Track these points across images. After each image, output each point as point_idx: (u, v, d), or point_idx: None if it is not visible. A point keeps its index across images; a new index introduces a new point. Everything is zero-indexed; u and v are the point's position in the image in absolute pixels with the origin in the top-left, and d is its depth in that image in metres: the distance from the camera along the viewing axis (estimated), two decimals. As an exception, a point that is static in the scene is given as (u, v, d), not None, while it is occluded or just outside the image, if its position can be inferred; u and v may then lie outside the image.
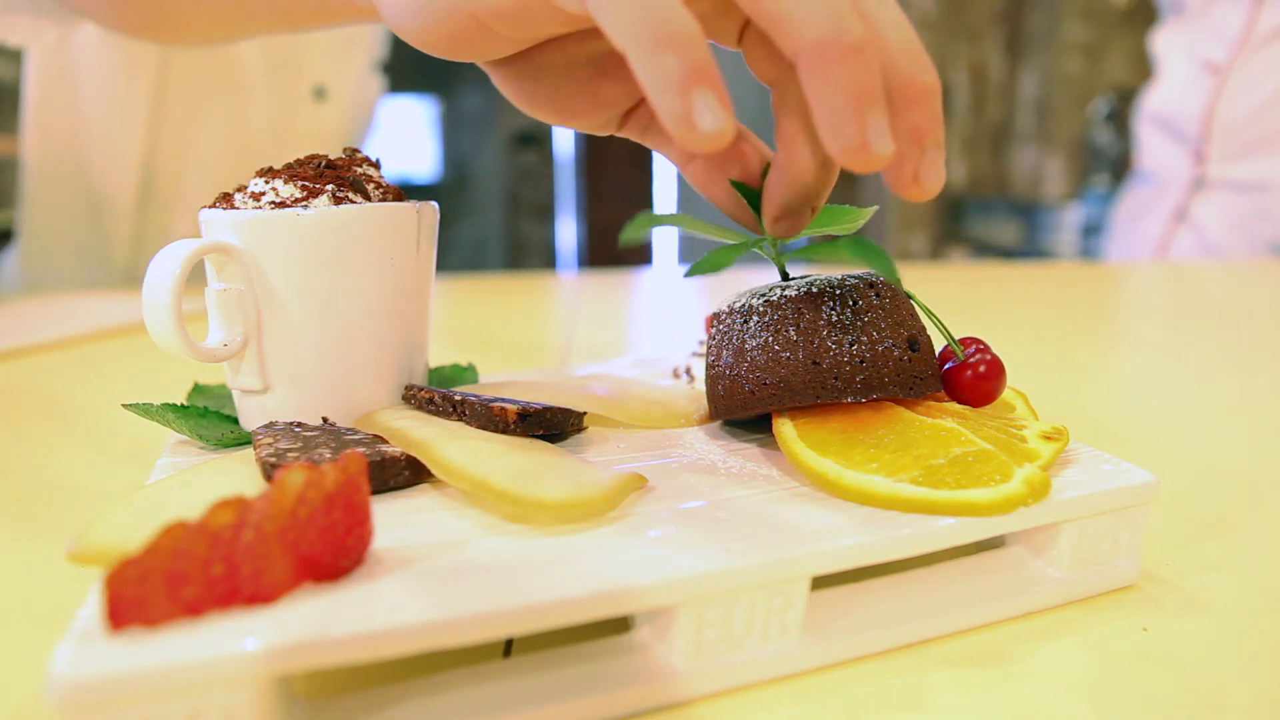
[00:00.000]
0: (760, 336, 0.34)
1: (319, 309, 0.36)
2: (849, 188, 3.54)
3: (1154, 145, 1.48)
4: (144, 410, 0.36)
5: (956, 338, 0.36)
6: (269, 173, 0.37)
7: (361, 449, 0.31)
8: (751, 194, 0.36)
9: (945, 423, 0.31)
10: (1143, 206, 1.50)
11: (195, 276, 0.36)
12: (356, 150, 0.40)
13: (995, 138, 3.32)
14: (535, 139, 3.54)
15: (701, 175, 0.37)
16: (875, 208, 0.35)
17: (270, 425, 0.35)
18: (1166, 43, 1.46)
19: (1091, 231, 2.67)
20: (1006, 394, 0.38)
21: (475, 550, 0.26)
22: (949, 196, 3.34)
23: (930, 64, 0.28)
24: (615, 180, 3.85)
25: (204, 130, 1.03)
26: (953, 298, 0.98)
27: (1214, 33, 1.38)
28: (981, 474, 0.29)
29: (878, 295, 0.34)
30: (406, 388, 0.38)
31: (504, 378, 0.46)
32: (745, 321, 0.35)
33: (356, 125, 1.17)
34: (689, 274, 0.34)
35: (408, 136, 3.57)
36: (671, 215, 0.35)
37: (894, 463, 0.30)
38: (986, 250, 3.13)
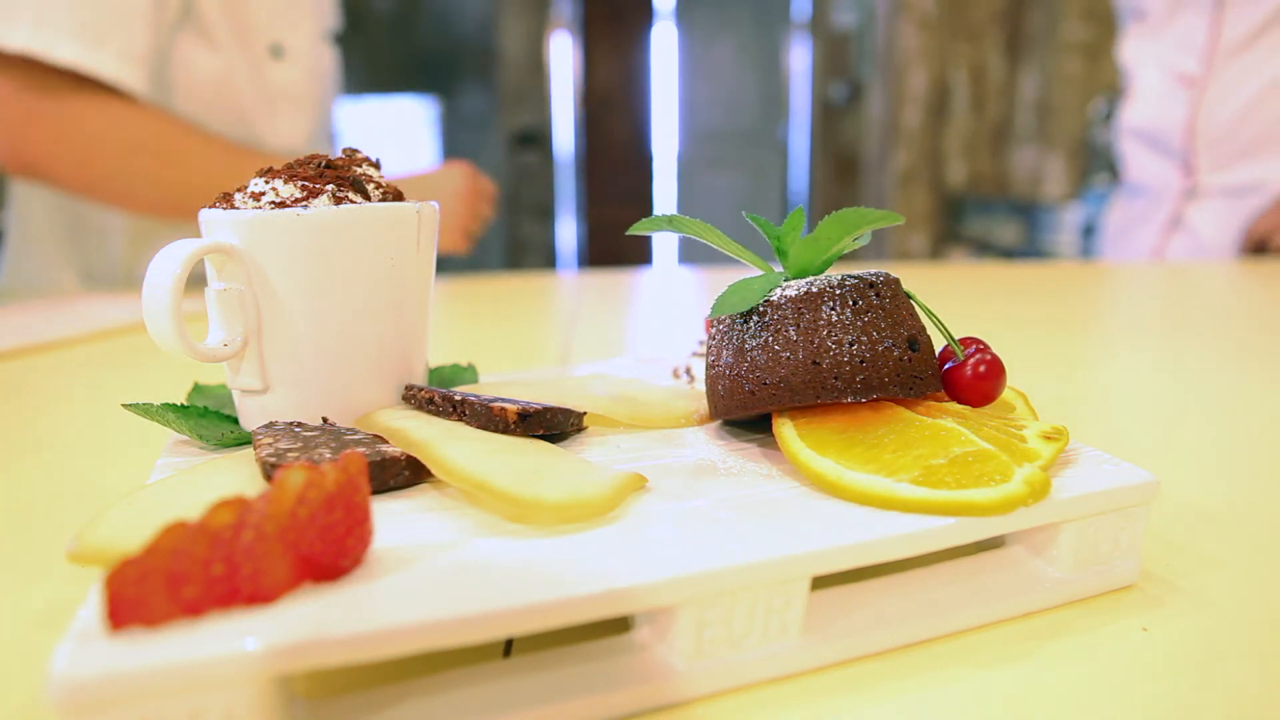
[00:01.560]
0: (760, 336, 0.34)
1: (319, 309, 0.36)
2: (849, 189, 3.54)
3: (1139, 159, 1.47)
4: (144, 410, 0.36)
5: (956, 338, 0.36)
6: (269, 173, 0.37)
7: (361, 449, 0.31)
8: (771, 230, 0.36)
9: (945, 423, 0.31)
10: (1135, 218, 1.50)
11: (195, 276, 0.36)
12: (356, 150, 0.40)
13: (995, 138, 3.32)
14: (535, 139, 3.54)
15: None
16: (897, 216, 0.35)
17: (270, 425, 0.35)
18: (1135, 54, 1.45)
19: (1091, 231, 2.67)
20: (1006, 394, 0.38)
21: (475, 550, 0.26)
22: (949, 196, 3.34)
23: None
24: (615, 180, 3.85)
25: (181, 94, 1.02)
26: (953, 298, 0.98)
27: (1182, 43, 1.37)
28: (981, 474, 0.29)
29: (878, 295, 0.34)
30: (406, 388, 0.38)
31: (504, 378, 0.46)
32: (745, 321, 0.35)
33: (323, 90, 1.20)
34: (713, 314, 0.34)
35: (408, 136, 3.57)
36: (682, 220, 0.35)
37: (894, 463, 0.30)
38: (986, 250, 3.13)
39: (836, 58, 3.54)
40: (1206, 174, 1.36)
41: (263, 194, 0.36)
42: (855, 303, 0.33)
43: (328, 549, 0.23)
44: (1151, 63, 1.41)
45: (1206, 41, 1.33)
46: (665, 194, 3.94)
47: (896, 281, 0.35)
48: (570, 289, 1.22)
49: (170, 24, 0.97)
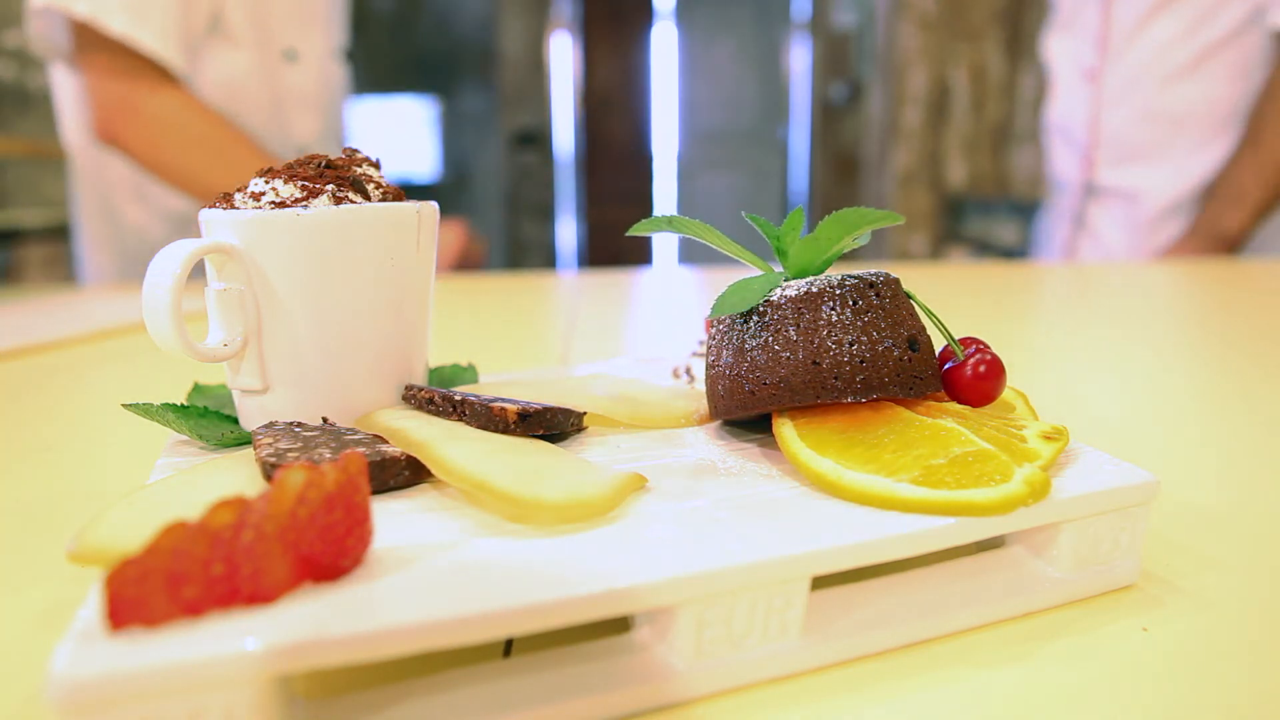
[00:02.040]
0: (760, 336, 0.34)
1: (319, 309, 0.36)
2: (849, 189, 3.54)
3: (1056, 153, 1.51)
4: (144, 410, 0.36)
5: (956, 338, 0.36)
6: (269, 173, 0.37)
7: (361, 449, 0.31)
8: (771, 230, 0.36)
9: (945, 423, 0.31)
10: (1053, 214, 1.54)
11: (195, 276, 0.36)
12: (356, 150, 0.40)
13: (995, 138, 3.32)
14: (535, 139, 3.54)
15: None
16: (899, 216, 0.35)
17: (270, 425, 0.35)
18: (1052, 51, 1.48)
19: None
20: (1006, 394, 0.38)
21: (475, 550, 0.26)
22: (949, 196, 3.34)
23: None
24: (615, 180, 3.85)
25: (206, 92, 1.16)
26: (953, 298, 0.98)
27: (1085, 36, 1.39)
28: (981, 474, 0.29)
29: (878, 295, 0.34)
30: (406, 388, 0.38)
31: (504, 378, 0.46)
32: (745, 321, 0.35)
33: (331, 98, 1.33)
34: (713, 314, 0.34)
35: (408, 136, 3.57)
36: (682, 220, 0.35)
37: (894, 463, 0.30)
38: (986, 250, 3.13)
39: (836, 58, 3.54)
40: (1103, 169, 1.39)
41: (263, 194, 0.36)
42: (855, 303, 0.33)
43: (328, 549, 0.23)
44: (1064, 58, 1.45)
45: (1098, 32, 1.35)
46: (665, 194, 3.94)
47: (896, 281, 0.35)
48: (570, 289, 1.22)
49: (201, 26, 1.11)
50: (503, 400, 0.35)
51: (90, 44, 1.04)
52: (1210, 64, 1.25)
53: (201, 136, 1.07)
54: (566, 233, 3.76)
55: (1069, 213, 1.47)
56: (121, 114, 1.05)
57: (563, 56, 3.59)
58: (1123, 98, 1.34)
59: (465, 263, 1.30)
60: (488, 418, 0.34)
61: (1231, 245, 1.23)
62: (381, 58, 3.49)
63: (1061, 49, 1.45)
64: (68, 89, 1.21)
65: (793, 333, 0.33)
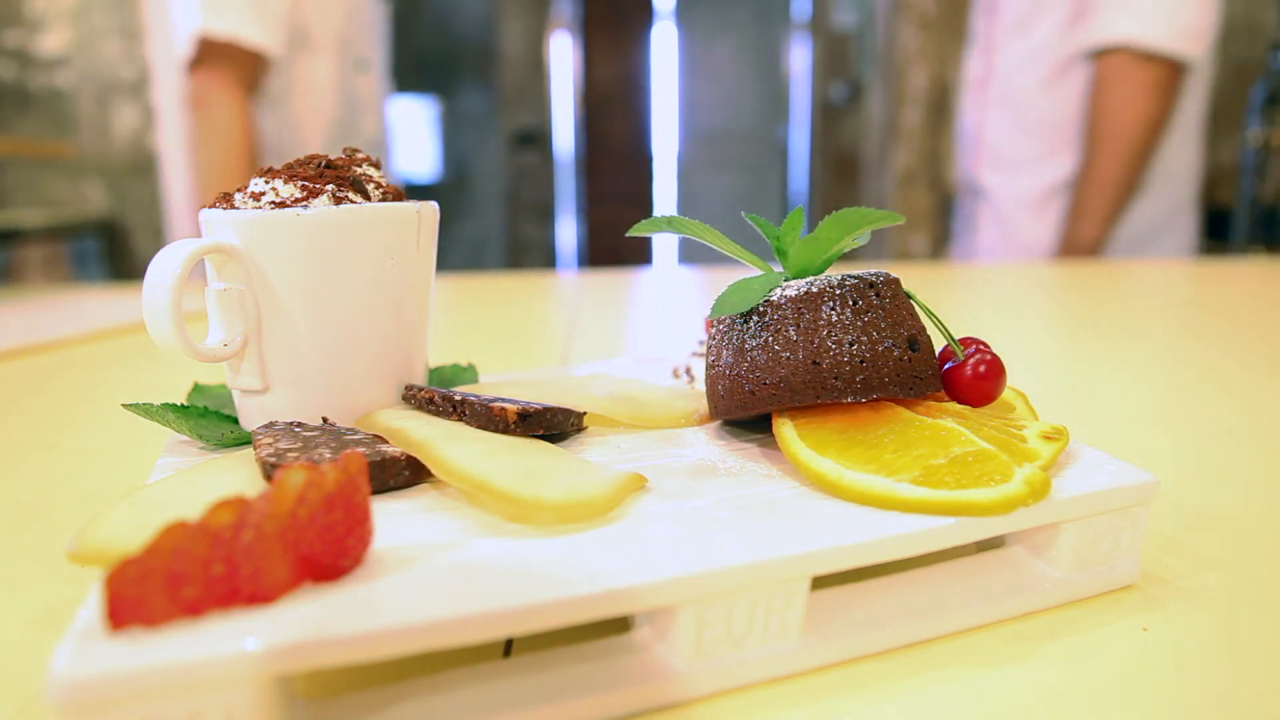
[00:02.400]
0: (760, 336, 0.34)
1: (319, 309, 0.36)
2: (849, 189, 3.54)
3: (961, 158, 1.60)
4: (144, 410, 0.36)
5: (956, 338, 0.36)
6: (269, 173, 0.37)
7: (361, 449, 0.31)
8: (771, 230, 0.36)
9: (945, 423, 0.31)
10: (958, 217, 1.63)
11: (196, 276, 0.36)
12: (356, 150, 0.40)
13: (995, 138, 3.32)
14: (535, 139, 3.54)
15: None
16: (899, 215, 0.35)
17: (270, 425, 0.35)
18: (970, 62, 1.57)
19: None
20: (1006, 394, 0.38)
21: (475, 550, 0.26)
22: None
23: None
24: (615, 180, 3.85)
25: (297, 98, 1.36)
26: (953, 298, 0.98)
27: (979, 47, 1.50)
28: (981, 474, 0.29)
29: (878, 295, 0.34)
30: (406, 388, 0.38)
31: (504, 378, 0.46)
32: (745, 321, 0.35)
33: (382, 105, 1.55)
34: (713, 314, 0.34)
35: (408, 136, 3.57)
36: (682, 221, 0.35)
37: (894, 463, 0.30)
38: (986, 250, 3.13)
39: (836, 58, 3.54)
40: (981, 172, 1.48)
41: (263, 194, 0.36)
42: (855, 303, 0.33)
43: (328, 549, 0.23)
44: (970, 68, 1.55)
45: (985, 43, 1.46)
46: (665, 194, 3.94)
47: (896, 281, 0.35)
48: (570, 289, 1.22)
49: (293, 37, 1.31)
50: (503, 400, 0.35)
51: (204, 53, 1.23)
52: (1063, 81, 1.34)
53: (227, 151, 1.25)
54: (566, 233, 3.76)
55: (967, 215, 1.56)
56: (199, 100, 1.25)
57: (563, 56, 3.59)
58: (998, 107, 1.44)
59: None
60: (488, 418, 0.34)
61: (1090, 254, 1.34)
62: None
63: (970, 60, 1.56)
64: (170, 92, 1.39)
65: (793, 333, 0.33)
